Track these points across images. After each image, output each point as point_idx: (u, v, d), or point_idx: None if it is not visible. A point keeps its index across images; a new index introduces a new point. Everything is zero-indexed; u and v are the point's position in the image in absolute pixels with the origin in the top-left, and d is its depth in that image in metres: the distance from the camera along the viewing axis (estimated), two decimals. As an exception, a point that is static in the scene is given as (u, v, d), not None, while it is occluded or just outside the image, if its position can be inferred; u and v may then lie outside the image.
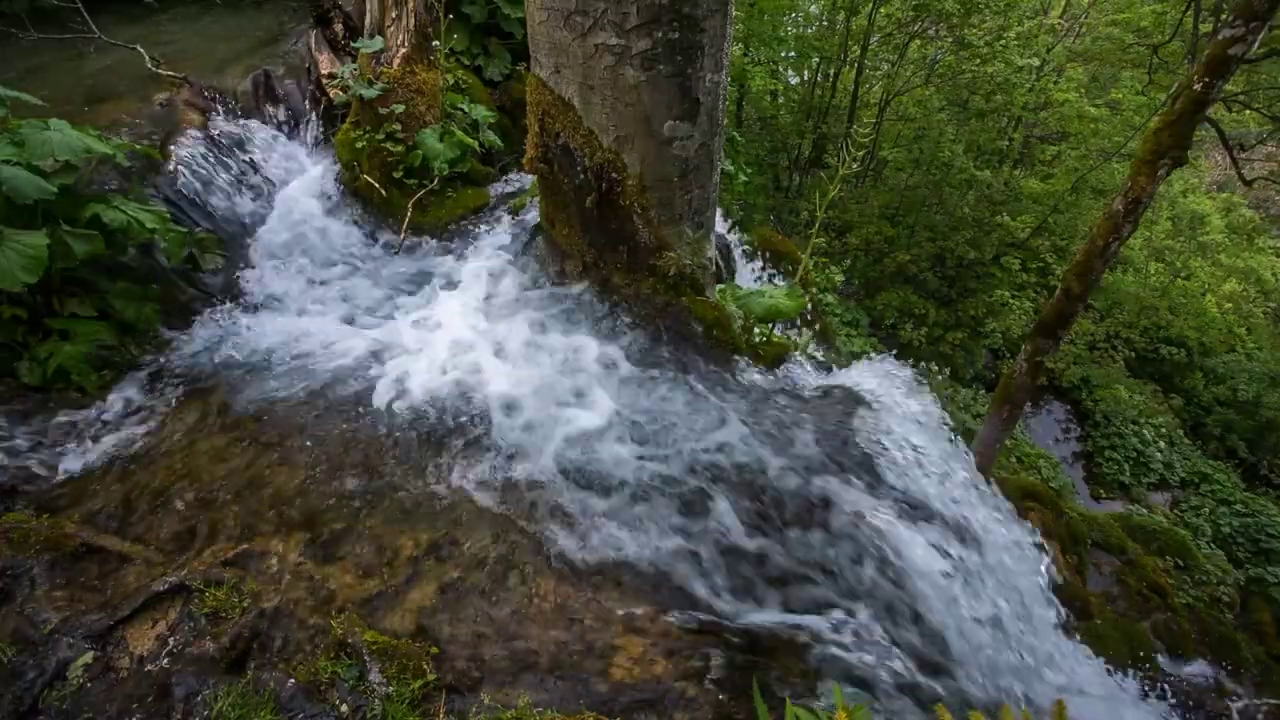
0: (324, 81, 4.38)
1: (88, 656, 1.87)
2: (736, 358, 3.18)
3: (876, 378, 3.17)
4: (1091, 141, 13.29)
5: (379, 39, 4.15)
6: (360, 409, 2.78)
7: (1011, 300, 13.57)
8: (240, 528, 2.31)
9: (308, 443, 2.61)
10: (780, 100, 16.32)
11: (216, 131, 3.92)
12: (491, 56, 4.82)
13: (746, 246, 4.67)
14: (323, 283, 3.78)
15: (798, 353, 3.60)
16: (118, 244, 3.06)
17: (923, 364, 12.28)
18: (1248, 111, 10.62)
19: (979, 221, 13.83)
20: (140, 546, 2.26)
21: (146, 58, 4.12)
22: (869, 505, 2.47)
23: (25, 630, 1.89)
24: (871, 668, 2.12)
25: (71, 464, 2.54)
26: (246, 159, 4.00)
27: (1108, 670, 3.68)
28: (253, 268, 3.73)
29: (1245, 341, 15.52)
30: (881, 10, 13.11)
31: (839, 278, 12.13)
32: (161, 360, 3.10)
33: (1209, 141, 15.80)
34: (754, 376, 3.15)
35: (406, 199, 4.03)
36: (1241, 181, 8.00)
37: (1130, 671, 4.02)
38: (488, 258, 3.73)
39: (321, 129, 4.43)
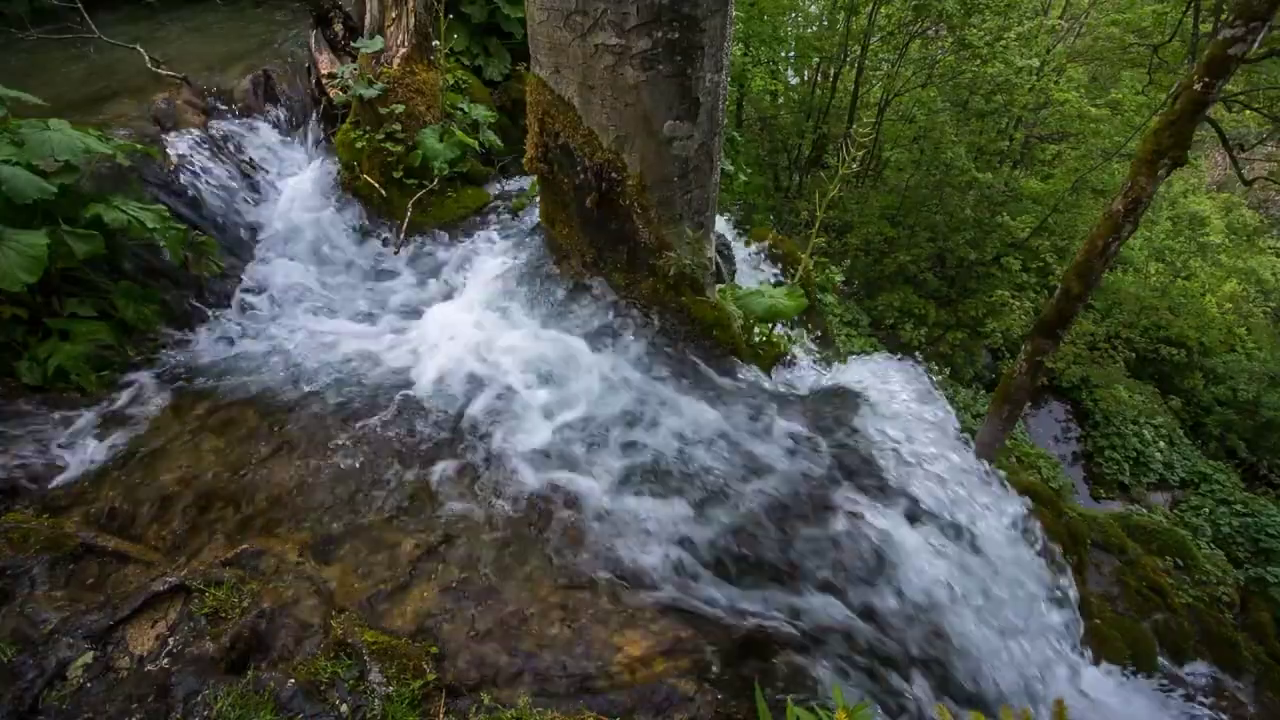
0: (324, 81, 4.37)
1: (88, 656, 1.87)
2: (736, 358, 3.18)
3: (876, 376, 3.17)
4: (1092, 141, 13.27)
5: (379, 39, 4.15)
6: (359, 409, 2.78)
7: (1011, 300, 13.56)
8: (240, 528, 2.31)
9: (308, 443, 2.61)
10: (780, 100, 16.31)
11: (216, 131, 3.92)
12: (491, 56, 4.82)
13: (747, 247, 4.67)
14: (322, 283, 3.78)
15: (797, 352, 3.60)
16: (118, 244, 3.06)
17: (923, 364, 12.27)
18: (1248, 111, 10.63)
19: (979, 222, 13.82)
20: (140, 546, 2.26)
21: (146, 58, 4.12)
22: (868, 505, 2.47)
23: (25, 630, 1.89)
24: (871, 667, 2.12)
25: (71, 464, 2.54)
26: (246, 159, 4.00)
27: (1107, 670, 3.68)
28: (251, 267, 3.73)
29: (1245, 341, 15.51)
30: (882, 10, 13.10)
31: (839, 278, 12.12)
32: (161, 360, 3.10)
33: (1209, 141, 15.81)
34: (754, 376, 3.15)
35: (406, 199, 4.03)
36: (1241, 181, 8.00)
37: (1130, 671, 4.02)
38: (488, 258, 3.73)
39: (321, 129, 4.43)
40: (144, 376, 2.98)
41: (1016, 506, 2.87)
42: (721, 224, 4.33)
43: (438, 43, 4.10)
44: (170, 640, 1.92)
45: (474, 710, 1.84)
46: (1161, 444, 13.17)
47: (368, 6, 4.30)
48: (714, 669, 1.98)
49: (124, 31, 4.64)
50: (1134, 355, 14.63)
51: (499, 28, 4.81)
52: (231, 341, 3.27)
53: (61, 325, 2.85)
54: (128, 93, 3.97)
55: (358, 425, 2.69)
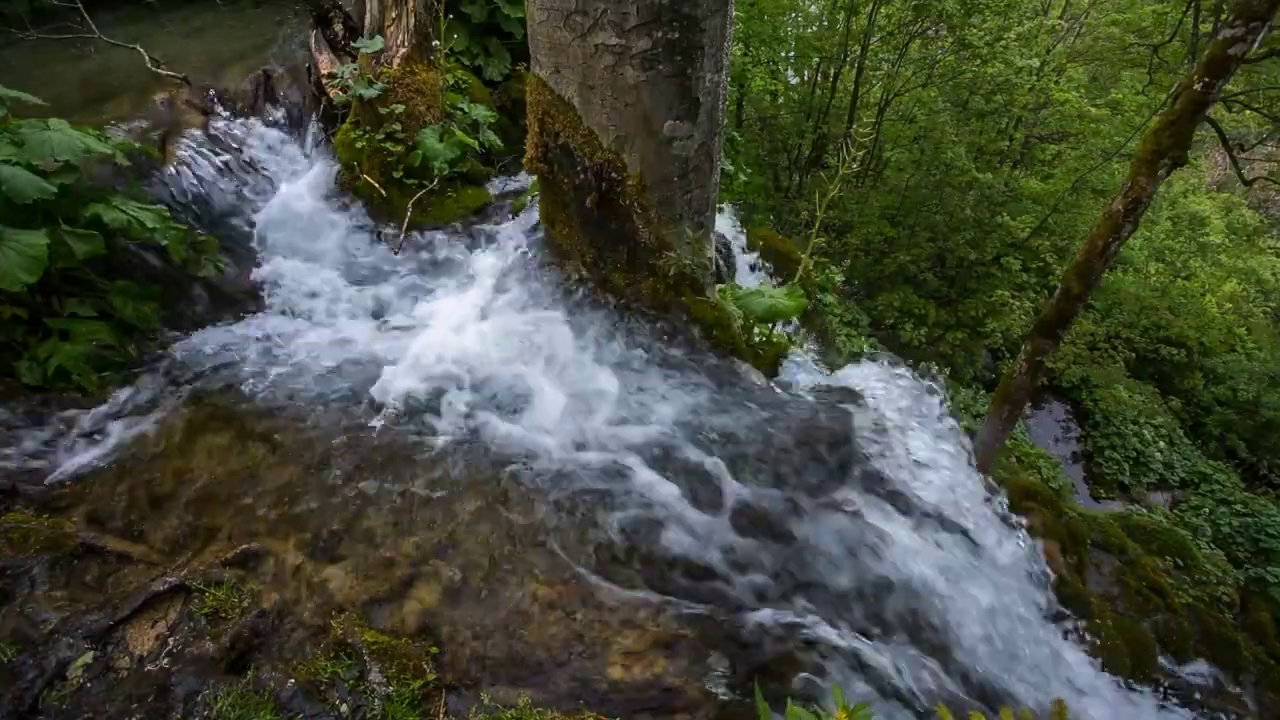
0: (324, 81, 4.37)
1: (88, 656, 1.87)
2: (736, 358, 3.18)
3: (876, 377, 3.17)
4: (1092, 141, 13.26)
5: (379, 39, 4.15)
6: (360, 408, 2.78)
7: (1011, 300, 13.55)
8: (240, 528, 2.31)
9: (308, 443, 2.61)
10: (780, 100, 16.30)
11: (216, 131, 3.92)
12: (491, 56, 4.82)
13: (747, 248, 4.67)
14: (322, 283, 3.78)
15: (797, 352, 3.60)
16: (118, 244, 3.06)
17: (923, 364, 12.26)
18: (1248, 111, 10.62)
19: (979, 222, 13.81)
20: (140, 546, 2.26)
21: (146, 58, 4.12)
22: (867, 504, 2.47)
23: (25, 630, 1.89)
24: (870, 666, 2.12)
25: (71, 464, 2.54)
26: (246, 159, 4.00)
27: (1107, 670, 3.68)
28: (251, 268, 3.73)
29: (1245, 341, 15.51)
30: (882, 10, 13.10)
31: (839, 278, 12.11)
32: (161, 360, 3.10)
33: (1209, 141, 15.80)
34: (753, 376, 3.15)
35: (406, 199, 4.03)
36: (1241, 181, 8.00)
37: (1130, 671, 4.02)
38: (487, 258, 3.73)
39: (321, 129, 4.43)
40: (144, 377, 2.98)
41: (1010, 507, 2.88)
42: (722, 224, 4.33)
43: (438, 43, 4.10)
44: (170, 640, 1.92)
45: (474, 710, 1.84)
46: (1161, 444, 13.16)
47: (368, 6, 4.30)
48: (714, 669, 1.98)
49: (124, 31, 4.64)
50: (1134, 355, 14.62)
51: (499, 28, 4.81)
52: (231, 342, 3.27)
53: (61, 325, 2.85)
54: (128, 93, 3.97)
55: (358, 425, 2.69)
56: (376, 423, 2.70)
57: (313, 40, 4.53)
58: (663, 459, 2.61)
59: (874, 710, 1.98)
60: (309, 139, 4.40)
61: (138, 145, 3.33)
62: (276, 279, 3.71)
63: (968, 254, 13.87)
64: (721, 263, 4.01)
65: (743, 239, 4.70)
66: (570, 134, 2.84)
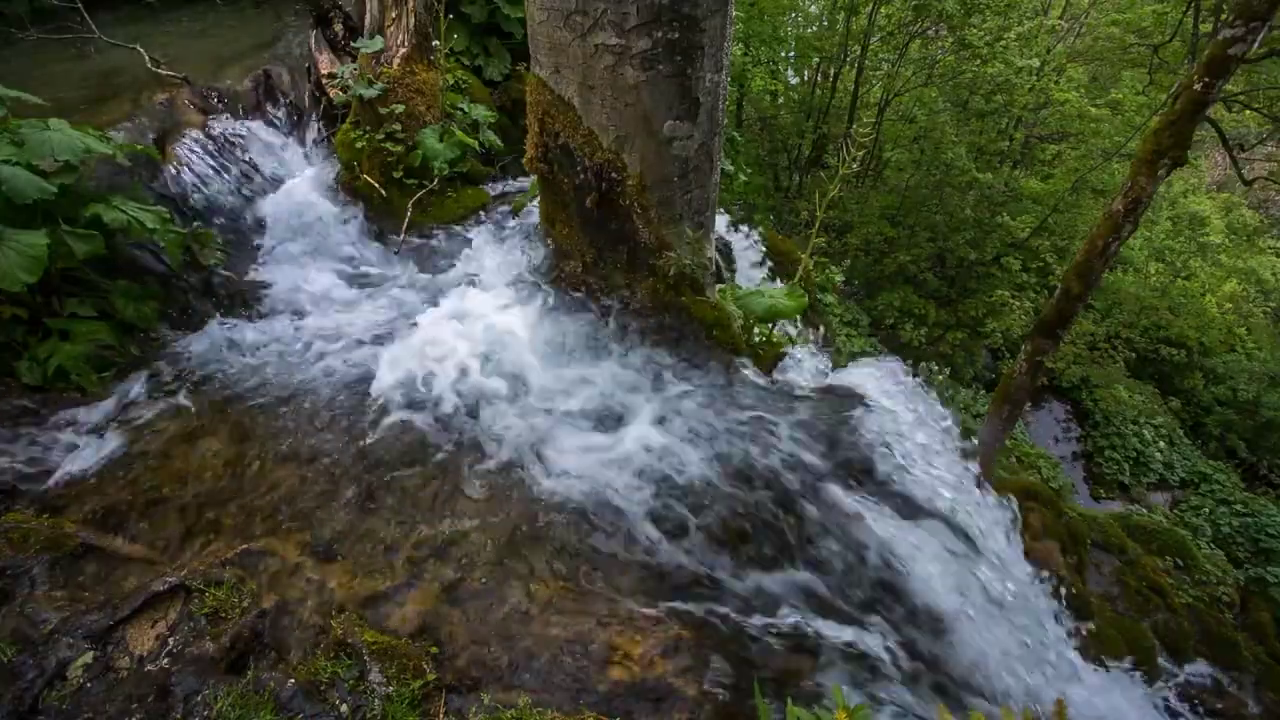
0: (324, 81, 4.38)
1: (88, 656, 1.87)
2: (736, 358, 3.18)
3: (876, 377, 3.17)
4: (1092, 141, 13.27)
5: (379, 39, 4.15)
6: (360, 409, 2.78)
7: (1011, 300, 13.55)
8: (240, 528, 2.31)
9: (308, 443, 2.61)
10: (780, 100, 16.30)
11: (216, 132, 3.92)
12: (491, 56, 4.82)
13: (747, 247, 4.66)
14: (321, 283, 3.78)
15: (797, 352, 3.60)
16: (118, 244, 3.06)
17: (923, 364, 12.29)
18: (1248, 111, 10.63)
19: (979, 222, 13.82)
20: (140, 546, 2.26)
21: (146, 58, 4.12)
22: (868, 505, 2.47)
23: (25, 630, 1.89)
24: (870, 667, 2.13)
25: (71, 464, 2.54)
26: (246, 159, 4.00)
27: (1108, 670, 3.68)
28: (251, 268, 3.73)
29: (1245, 341, 15.51)
30: (882, 10, 13.10)
31: (839, 278, 12.11)
32: (161, 360, 3.10)
33: (1209, 141, 15.80)
34: (753, 376, 3.15)
35: (406, 199, 4.03)
36: (1241, 181, 8.00)
37: (1130, 671, 4.02)
38: (487, 258, 3.73)
39: (321, 129, 4.43)
40: (144, 377, 2.98)
41: (1011, 507, 2.88)
42: (722, 224, 4.32)
43: (438, 43, 4.10)
44: (170, 640, 1.92)
45: (474, 710, 1.84)
46: (1161, 444, 13.16)
47: (368, 6, 4.30)
48: (714, 669, 1.98)
49: (124, 31, 4.64)
50: (1134, 355, 14.63)
51: (499, 28, 4.81)
52: (231, 342, 3.27)
53: (61, 325, 2.85)
54: (128, 93, 3.97)
55: (357, 426, 2.70)
56: (375, 422, 2.70)
57: (313, 40, 4.53)
58: (665, 461, 2.61)
59: (872, 711, 1.98)
60: (309, 139, 4.41)
61: (138, 146, 3.33)
62: (276, 279, 3.71)
63: (968, 254, 13.87)
64: (721, 262, 4.01)
65: (744, 238, 4.68)
66: (570, 134, 2.83)
